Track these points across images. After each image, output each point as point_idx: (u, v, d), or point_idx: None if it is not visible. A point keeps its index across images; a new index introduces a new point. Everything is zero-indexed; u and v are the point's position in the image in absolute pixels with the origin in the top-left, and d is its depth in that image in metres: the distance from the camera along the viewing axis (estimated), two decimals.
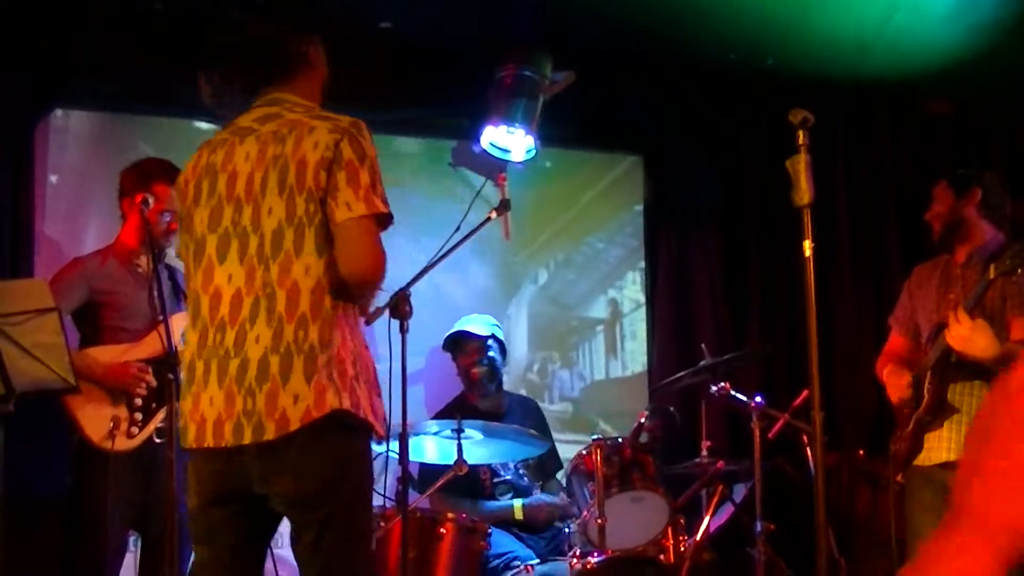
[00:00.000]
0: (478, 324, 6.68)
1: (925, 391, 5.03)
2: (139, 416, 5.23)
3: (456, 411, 6.31)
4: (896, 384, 5.19)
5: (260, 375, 3.41)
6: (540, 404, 7.30)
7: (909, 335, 5.38)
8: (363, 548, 3.60)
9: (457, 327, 6.71)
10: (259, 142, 3.57)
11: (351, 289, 3.49)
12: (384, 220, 3.52)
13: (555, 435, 7.07)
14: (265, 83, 3.71)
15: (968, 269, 5.14)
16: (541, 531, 6.34)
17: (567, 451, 6.94)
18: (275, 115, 3.63)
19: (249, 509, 3.55)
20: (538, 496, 6.44)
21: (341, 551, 3.50)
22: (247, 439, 3.41)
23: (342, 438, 3.47)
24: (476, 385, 6.63)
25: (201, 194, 3.64)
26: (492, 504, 6.34)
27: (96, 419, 5.18)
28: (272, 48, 3.71)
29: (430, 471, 5.81)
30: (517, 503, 6.33)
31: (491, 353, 6.65)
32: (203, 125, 6.88)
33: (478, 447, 5.71)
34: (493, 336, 6.69)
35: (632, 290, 8.11)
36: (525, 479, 6.51)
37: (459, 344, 6.68)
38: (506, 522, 6.26)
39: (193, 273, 3.63)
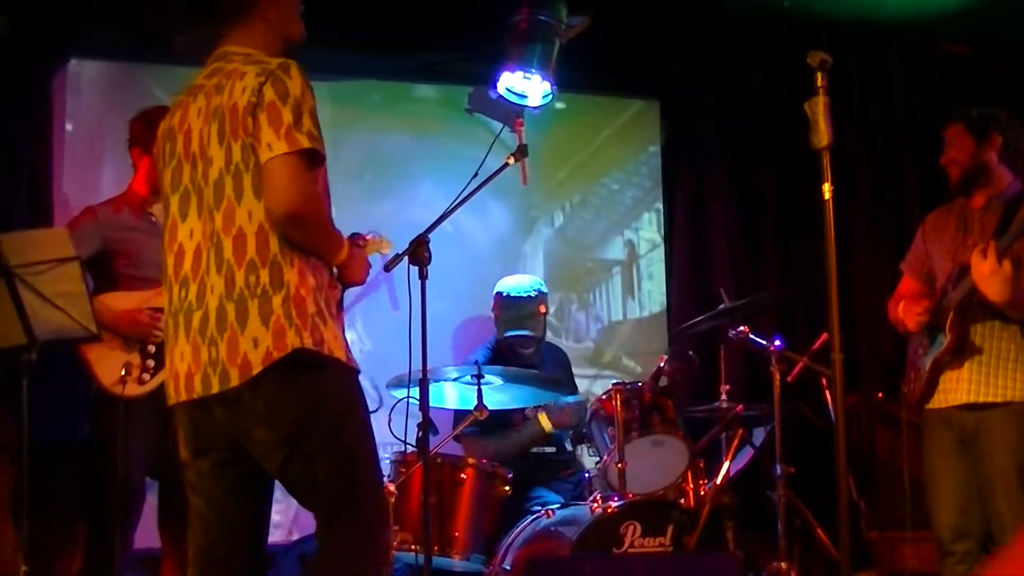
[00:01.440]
0: (531, 315, 6.56)
1: (947, 331, 5.01)
2: (151, 363, 5.24)
3: (498, 356, 6.41)
4: (912, 310, 5.14)
5: (219, 324, 3.42)
6: (560, 344, 7.34)
7: (921, 279, 5.34)
8: (361, 479, 3.54)
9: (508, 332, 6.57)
10: (206, 97, 3.58)
11: (282, 230, 3.44)
12: (313, 157, 3.47)
13: (580, 371, 7.19)
14: (215, 32, 3.72)
15: (987, 214, 5.08)
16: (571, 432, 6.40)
17: (595, 386, 7.14)
18: (219, 68, 3.63)
19: (232, 459, 3.55)
20: (558, 401, 6.30)
21: (340, 484, 3.48)
22: (214, 388, 3.43)
23: (309, 377, 3.44)
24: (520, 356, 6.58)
25: (165, 155, 3.67)
26: (521, 432, 6.31)
27: (108, 365, 5.19)
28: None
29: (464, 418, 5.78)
30: (542, 415, 6.23)
31: (537, 341, 6.62)
32: None
33: (498, 392, 5.72)
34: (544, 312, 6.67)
35: (649, 231, 8.09)
36: None
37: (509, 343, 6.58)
38: (540, 441, 6.31)
39: (163, 234, 3.65)
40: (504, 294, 6.61)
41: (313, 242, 3.53)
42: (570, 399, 6.38)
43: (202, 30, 3.77)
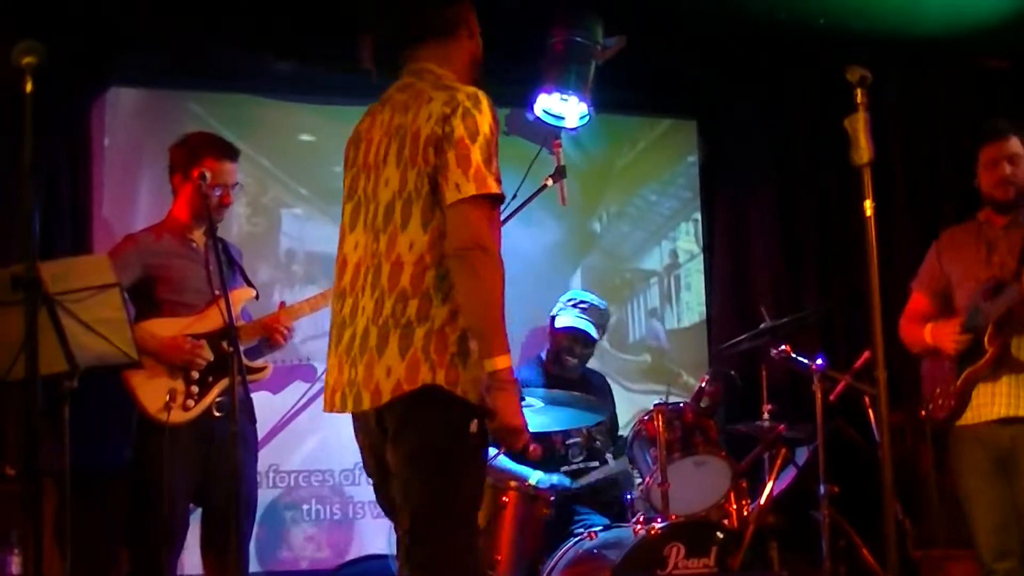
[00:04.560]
0: (589, 321, 6.52)
1: (986, 344, 4.95)
2: (195, 389, 5.26)
3: (545, 372, 6.45)
4: (947, 333, 5.09)
5: (361, 346, 3.48)
6: (603, 349, 7.31)
7: (935, 297, 5.29)
8: (453, 515, 3.49)
9: (572, 319, 6.52)
10: (392, 111, 3.61)
11: (451, 267, 3.43)
12: (497, 200, 3.46)
13: (632, 386, 7.32)
14: (408, 48, 3.74)
15: (1011, 231, 5.07)
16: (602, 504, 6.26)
17: (635, 397, 7.26)
18: (410, 84, 3.65)
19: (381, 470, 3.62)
20: (561, 479, 6.05)
21: (430, 514, 3.46)
22: (349, 408, 3.52)
23: (433, 414, 3.42)
24: (564, 368, 6.55)
25: (348, 161, 3.75)
26: (515, 468, 6.07)
27: (153, 391, 5.21)
28: (411, 13, 3.77)
29: None
30: (534, 476, 5.99)
31: (590, 352, 6.64)
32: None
33: (539, 415, 5.70)
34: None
35: (686, 241, 8.08)
36: (598, 442, 6.41)
37: (570, 334, 6.54)
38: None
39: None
40: (576, 300, 6.64)
41: (476, 288, 3.39)
42: (613, 465, 6.28)
43: (398, 47, 3.78)
